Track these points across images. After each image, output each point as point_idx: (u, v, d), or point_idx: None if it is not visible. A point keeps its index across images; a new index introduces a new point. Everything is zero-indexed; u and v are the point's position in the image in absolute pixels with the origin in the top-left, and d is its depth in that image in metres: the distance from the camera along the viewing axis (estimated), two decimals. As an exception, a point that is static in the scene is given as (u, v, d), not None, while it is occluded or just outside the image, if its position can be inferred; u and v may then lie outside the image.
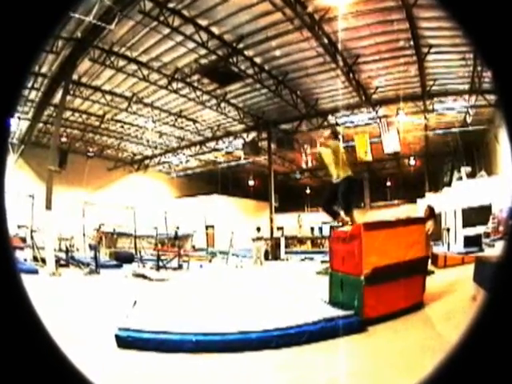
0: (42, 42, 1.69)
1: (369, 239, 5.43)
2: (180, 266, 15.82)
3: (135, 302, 6.49)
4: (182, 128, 25.51)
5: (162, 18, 13.54)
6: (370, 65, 17.09)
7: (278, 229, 31.35)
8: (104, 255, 18.63)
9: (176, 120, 24.00)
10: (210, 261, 21.40)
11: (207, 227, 30.85)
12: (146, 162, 32.68)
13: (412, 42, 14.73)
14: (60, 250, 18.98)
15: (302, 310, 5.61)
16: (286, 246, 26.83)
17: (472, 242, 13.29)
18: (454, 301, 5.88)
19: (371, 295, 5.21)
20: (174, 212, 24.56)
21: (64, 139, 24.14)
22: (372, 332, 4.91)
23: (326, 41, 14.74)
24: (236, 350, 4.27)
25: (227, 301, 7.18)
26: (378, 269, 5.28)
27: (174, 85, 19.11)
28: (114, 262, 17.06)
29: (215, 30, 14.83)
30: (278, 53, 16.31)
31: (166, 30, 14.52)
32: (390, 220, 6.71)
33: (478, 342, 1.37)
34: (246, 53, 16.35)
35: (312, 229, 37.66)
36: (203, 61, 17.05)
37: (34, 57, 1.68)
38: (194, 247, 27.59)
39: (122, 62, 16.90)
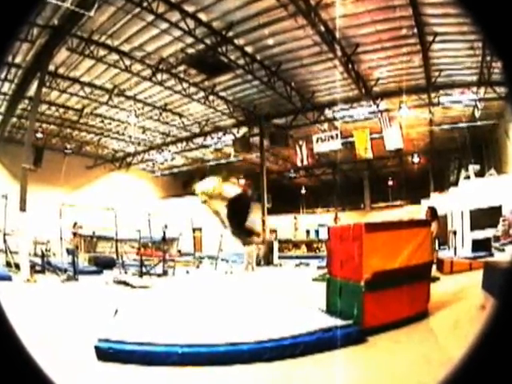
0: (16, 29, 1.68)
1: (370, 241, 5.44)
2: (165, 272, 15.79)
3: (116, 311, 6.47)
4: (167, 123, 25.44)
5: (145, 4, 13.46)
6: (370, 54, 17.10)
7: (271, 232, 31.37)
8: (83, 260, 18.53)
9: (161, 114, 23.92)
10: (198, 266, 21.37)
11: (194, 230, 30.67)
12: (129, 159, 32.43)
13: (416, 30, 14.75)
14: (35, 254, 18.84)
15: (297, 319, 5.61)
16: (280, 251, 26.80)
17: (481, 245, 13.37)
18: (460, 310, 5.90)
19: (372, 302, 5.22)
20: (159, 213, 24.44)
21: (39, 135, 24.01)
22: (372, 343, 4.92)
23: (322, 28, 14.70)
24: (225, 363, 4.26)
25: (216, 310, 7.17)
26: (380, 273, 5.29)
27: (159, 76, 19.02)
28: (94, 268, 17.02)
29: (203, 16, 14.78)
30: (270, 41, 16.28)
31: (150, 17, 14.44)
32: (392, 221, 6.75)
33: (486, 354, 1.38)
34: (236, 41, 16.29)
35: (308, 232, 37.70)
36: (190, 50, 16.99)
37: (7, 46, 1.66)
38: (179, 252, 27.49)
39: (102, 52, 16.79)
